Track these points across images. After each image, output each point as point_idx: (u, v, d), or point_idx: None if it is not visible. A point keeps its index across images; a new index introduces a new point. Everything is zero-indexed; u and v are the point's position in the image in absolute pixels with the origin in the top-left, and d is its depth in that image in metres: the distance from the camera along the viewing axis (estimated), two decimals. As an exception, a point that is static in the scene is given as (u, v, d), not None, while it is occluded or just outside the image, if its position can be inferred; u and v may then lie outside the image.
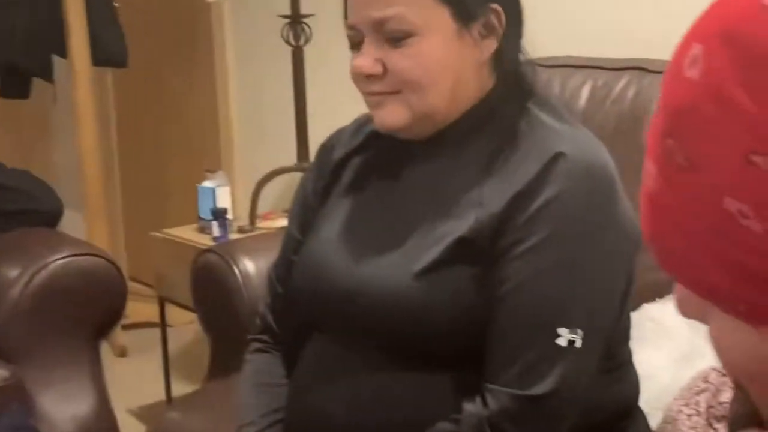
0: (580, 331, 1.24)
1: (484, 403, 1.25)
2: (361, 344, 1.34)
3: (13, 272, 1.94)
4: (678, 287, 0.59)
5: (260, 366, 1.49)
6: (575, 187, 1.25)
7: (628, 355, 1.40)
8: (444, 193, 1.33)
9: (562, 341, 1.23)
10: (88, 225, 3.18)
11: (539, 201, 1.24)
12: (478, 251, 1.27)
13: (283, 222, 2.59)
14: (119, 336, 3.17)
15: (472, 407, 1.26)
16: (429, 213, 1.33)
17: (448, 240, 1.29)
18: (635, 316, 1.40)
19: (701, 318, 0.57)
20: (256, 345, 1.52)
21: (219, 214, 2.86)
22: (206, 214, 2.92)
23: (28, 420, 1.80)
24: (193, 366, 2.91)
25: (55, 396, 1.96)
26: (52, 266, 1.98)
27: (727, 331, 0.55)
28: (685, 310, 0.59)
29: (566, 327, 1.23)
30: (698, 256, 0.54)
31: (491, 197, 1.27)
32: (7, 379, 1.88)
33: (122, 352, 3.21)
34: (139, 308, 3.30)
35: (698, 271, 0.55)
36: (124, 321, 2.63)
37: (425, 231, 1.32)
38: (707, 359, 1.25)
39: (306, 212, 1.50)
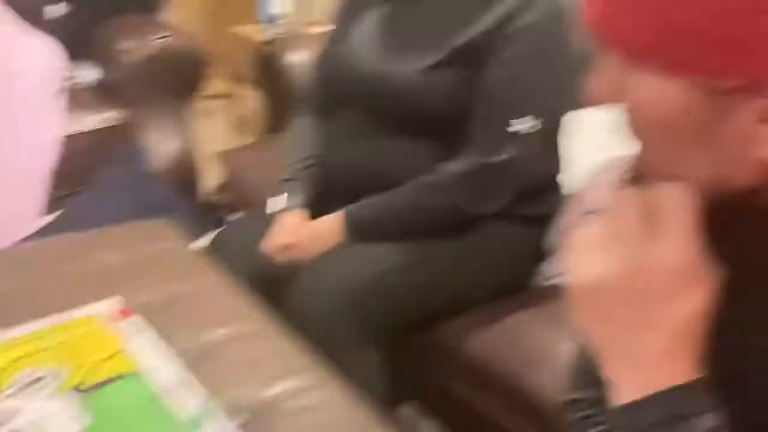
0: (538, 119, 1.27)
1: (457, 164, 1.31)
2: (374, 117, 1.37)
3: (131, 44, 1.96)
4: (593, 79, 0.52)
5: (303, 126, 1.54)
6: (551, 13, 1.27)
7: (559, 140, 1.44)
8: (451, 13, 1.33)
9: (522, 124, 1.27)
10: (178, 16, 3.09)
11: (521, 22, 1.26)
12: (472, 58, 1.29)
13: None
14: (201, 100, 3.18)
15: (447, 166, 1.32)
16: (439, 25, 1.33)
17: (449, 47, 1.30)
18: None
19: (615, 96, 0.51)
20: (301, 111, 1.56)
21: (275, 17, 2.81)
22: (266, 16, 2.87)
23: (136, 149, 1.85)
24: (253, 126, 2.95)
25: (155, 136, 2.00)
26: (157, 42, 1.99)
27: (652, 87, 0.48)
28: (602, 94, 0.52)
29: (530, 114, 1.27)
30: (633, 14, 0.48)
31: (487, 18, 1.28)
32: (123, 119, 1.92)
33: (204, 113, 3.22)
34: (216, 83, 3.27)
35: (633, 31, 0.48)
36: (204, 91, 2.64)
37: (433, 39, 1.32)
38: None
39: (342, 16, 1.50)
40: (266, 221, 1.46)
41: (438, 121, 1.33)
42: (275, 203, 1.44)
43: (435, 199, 1.31)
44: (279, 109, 2.13)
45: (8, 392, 0.97)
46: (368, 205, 1.34)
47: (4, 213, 1.58)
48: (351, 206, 1.36)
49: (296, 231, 1.37)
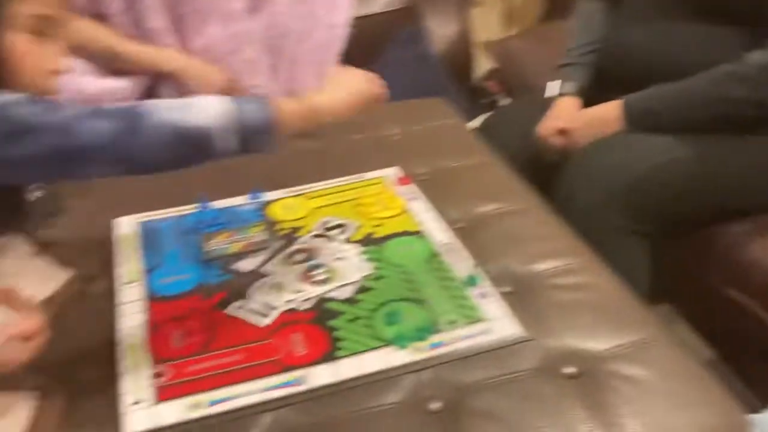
0: None
1: (765, 54, 1.16)
2: None
3: None
4: None
5: (589, 9, 1.46)
6: None
7: None
8: None
9: None
10: None
11: None
12: None
13: None
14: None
15: (752, 55, 1.18)
16: None
17: None
18: None
19: None
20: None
21: None
22: None
23: (418, 33, 1.90)
24: (532, 15, 2.87)
25: (436, 20, 2.02)
26: None
27: None
28: None
29: None
30: None
31: None
32: (408, 2, 1.97)
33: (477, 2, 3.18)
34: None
35: None
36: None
37: None
38: None
39: None
40: (539, 106, 1.44)
41: (743, 3, 1.18)
42: (552, 88, 1.41)
43: (735, 92, 1.18)
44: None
45: (313, 233, 1.10)
46: (654, 94, 1.26)
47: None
48: (633, 95, 1.28)
49: (572, 116, 1.34)
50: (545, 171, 1.32)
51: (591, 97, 1.39)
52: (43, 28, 0.79)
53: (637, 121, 1.26)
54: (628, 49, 1.35)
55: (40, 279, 0.85)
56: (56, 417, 0.78)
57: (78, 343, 0.84)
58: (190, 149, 0.79)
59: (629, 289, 0.99)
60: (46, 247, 0.91)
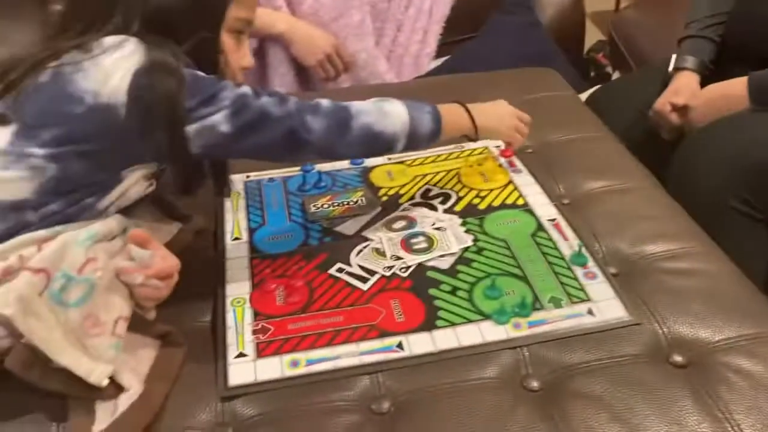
0: None
1: None
2: None
3: None
4: None
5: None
6: None
7: None
8: None
9: None
10: None
11: None
12: None
13: None
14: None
15: None
16: None
17: None
18: None
19: None
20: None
21: None
22: None
23: (527, 1, 1.83)
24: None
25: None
26: None
27: None
28: None
29: None
30: None
31: None
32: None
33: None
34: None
35: None
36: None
37: None
38: None
39: None
40: (654, 81, 1.37)
41: None
42: (673, 62, 1.33)
43: None
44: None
45: (413, 201, 1.09)
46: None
47: (403, 53, 1.72)
48: (760, 71, 1.19)
49: (693, 93, 1.26)
50: (660, 149, 1.25)
51: (712, 72, 1.31)
52: (241, 28, 0.89)
53: (764, 100, 1.17)
54: (758, 23, 1.25)
55: (152, 230, 0.88)
56: (177, 365, 0.81)
57: (186, 294, 0.86)
58: (377, 149, 0.94)
59: (746, 278, 0.93)
60: (157, 201, 0.94)
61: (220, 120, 0.80)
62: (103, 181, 0.81)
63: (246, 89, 0.84)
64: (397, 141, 0.92)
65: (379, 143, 0.91)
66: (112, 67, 0.77)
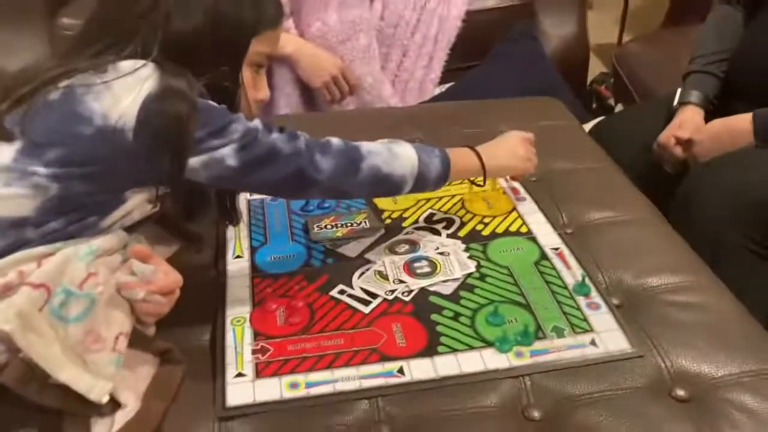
0: None
1: None
2: None
3: None
4: None
5: (722, 16, 1.38)
6: None
7: None
8: None
9: None
10: None
11: None
12: None
13: None
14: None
15: None
16: None
17: None
18: None
19: None
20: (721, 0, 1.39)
21: None
22: None
23: (532, 31, 1.85)
24: (647, 20, 2.76)
25: (551, 20, 1.96)
26: None
27: None
28: None
29: None
30: None
31: None
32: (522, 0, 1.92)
33: (590, 5, 3.09)
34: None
35: None
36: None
37: None
38: None
39: None
40: (657, 114, 1.37)
41: None
42: (678, 96, 1.34)
43: None
44: (678, 2, 1.94)
45: (417, 225, 1.09)
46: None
47: (408, 78, 1.73)
48: (765, 109, 1.20)
49: (698, 127, 1.26)
50: (663, 182, 1.26)
51: (715, 108, 1.32)
52: (260, 62, 0.89)
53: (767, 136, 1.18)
54: (762, 61, 1.26)
55: (153, 247, 0.87)
56: (176, 383, 0.80)
57: (185, 312, 0.85)
58: (385, 190, 0.94)
59: (749, 314, 0.93)
60: (161, 221, 0.94)
61: (227, 153, 0.80)
62: (105, 201, 0.80)
63: (257, 124, 0.83)
64: (405, 183, 0.92)
65: (387, 185, 0.91)
66: (123, 91, 0.76)
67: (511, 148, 1.08)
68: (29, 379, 0.72)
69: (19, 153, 0.77)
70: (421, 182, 0.93)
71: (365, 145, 0.90)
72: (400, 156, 0.91)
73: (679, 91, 1.34)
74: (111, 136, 0.75)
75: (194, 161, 0.79)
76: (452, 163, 0.96)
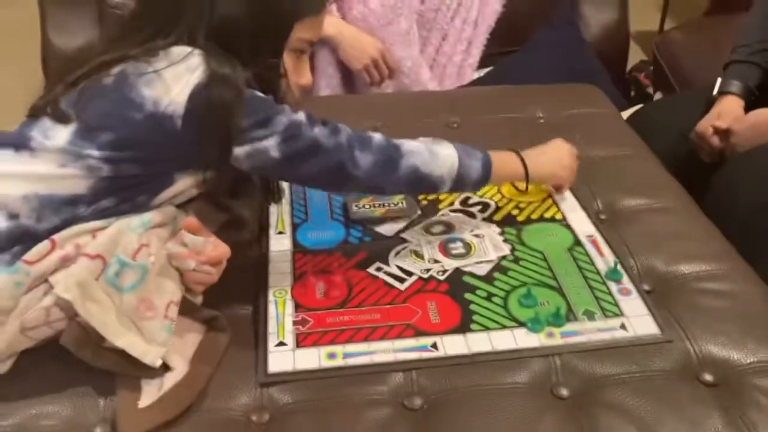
0: None
1: None
2: None
3: None
4: None
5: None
6: None
7: None
8: None
9: None
10: None
11: None
12: None
13: None
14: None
15: None
16: None
17: None
18: None
19: None
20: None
21: None
22: None
23: (572, 17, 1.85)
24: (690, 8, 2.72)
25: (592, 5, 1.95)
26: None
27: None
28: None
29: None
30: None
31: None
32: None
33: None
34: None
35: None
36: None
37: None
38: None
39: None
40: (696, 104, 1.37)
41: None
42: (718, 85, 1.34)
43: None
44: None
45: (454, 208, 1.12)
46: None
47: (446, 62, 1.74)
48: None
49: (737, 117, 1.26)
50: (699, 171, 1.26)
51: (756, 99, 1.31)
52: (303, 48, 0.90)
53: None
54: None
55: (201, 221, 0.91)
56: (221, 349, 0.85)
57: (230, 283, 0.89)
58: (422, 189, 0.98)
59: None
60: (209, 197, 0.98)
61: (271, 145, 0.82)
62: (154, 183, 0.84)
63: (302, 116, 0.85)
64: (443, 184, 0.93)
65: (424, 184, 0.92)
66: (174, 79, 0.79)
67: (558, 156, 1.08)
68: (86, 343, 0.77)
69: (74, 135, 0.80)
70: (460, 184, 0.94)
71: (406, 144, 0.91)
72: (439, 157, 0.92)
73: (719, 80, 1.34)
74: (161, 122, 0.79)
75: (239, 150, 0.82)
76: (494, 167, 0.97)
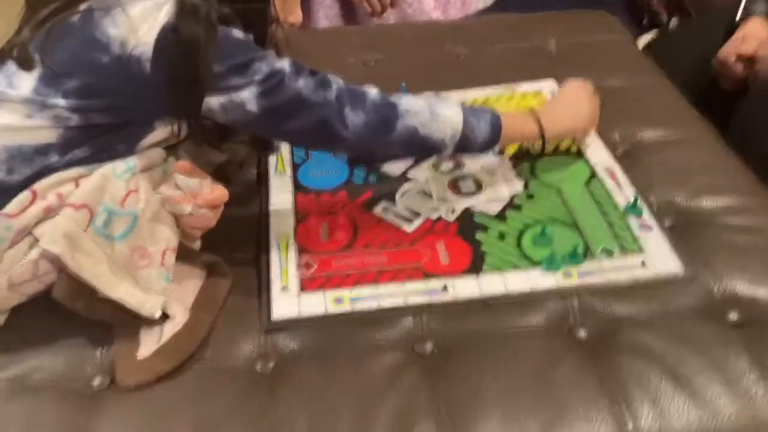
0: None
1: None
2: None
3: None
4: None
5: None
6: None
7: None
8: None
9: None
10: None
11: None
12: None
13: None
14: None
15: None
16: None
17: None
18: None
19: None
20: None
21: None
22: None
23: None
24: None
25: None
26: None
27: None
28: None
29: None
30: None
31: None
32: None
33: None
34: None
35: None
36: None
37: None
38: None
39: None
40: (717, 29, 1.30)
41: None
42: (742, 8, 1.27)
43: None
44: None
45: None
46: None
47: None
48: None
49: (763, 41, 1.20)
50: (721, 100, 1.20)
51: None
52: None
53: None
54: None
55: (202, 163, 0.87)
56: (222, 295, 0.81)
57: (230, 227, 0.86)
58: (420, 153, 0.90)
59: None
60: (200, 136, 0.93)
61: (247, 97, 0.74)
62: (131, 131, 0.77)
63: (285, 65, 0.76)
64: (443, 148, 0.85)
65: (422, 148, 0.84)
66: (142, 16, 0.72)
67: (576, 107, 0.98)
68: (78, 295, 0.73)
69: (39, 82, 0.73)
70: (464, 147, 0.86)
71: (404, 103, 0.82)
72: (441, 118, 0.83)
73: (743, 2, 1.27)
74: (127, 66, 0.72)
75: (213, 102, 0.75)
76: (504, 128, 0.88)
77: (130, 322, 0.76)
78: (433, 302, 0.82)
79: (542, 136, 0.93)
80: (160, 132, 0.79)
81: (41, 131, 0.74)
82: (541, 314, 0.81)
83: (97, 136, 0.75)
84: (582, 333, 0.79)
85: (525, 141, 0.98)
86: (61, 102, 0.73)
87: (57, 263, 0.72)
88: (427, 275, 0.85)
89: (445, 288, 0.83)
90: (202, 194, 0.79)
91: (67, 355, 0.77)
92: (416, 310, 0.81)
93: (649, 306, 0.81)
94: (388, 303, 0.82)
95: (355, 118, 0.79)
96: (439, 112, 0.84)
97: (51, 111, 0.73)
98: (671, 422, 0.71)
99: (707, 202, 0.94)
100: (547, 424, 0.71)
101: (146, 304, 0.74)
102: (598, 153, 1.03)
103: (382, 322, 0.80)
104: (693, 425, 0.70)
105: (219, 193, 0.80)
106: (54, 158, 0.75)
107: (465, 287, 0.83)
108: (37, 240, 0.73)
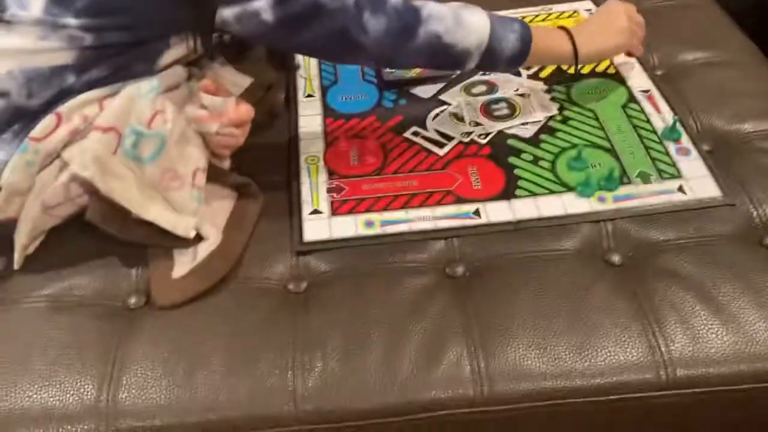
0: None
1: None
2: None
3: None
4: None
5: None
6: None
7: None
8: None
9: None
10: None
11: None
12: None
13: None
14: None
15: None
16: None
17: None
18: None
19: None
20: None
21: None
22: None
23: None
24: None
25: None
26: None
27: None
28: None
29: None
30: None
31: None
32: None
33: None
34: None
35: None
36: None
37: None
38: None
39: None
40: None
41: None
42: None
43: None
44: None
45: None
46: None
47: None
48: None
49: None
50: (767, 20, 1.15)
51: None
52: None
53: None
54: None
55: (228, 84, 0.86)
56: (253, 216, 0.81)
57: (259, 150, 0.85)
58: (443, 63, 0.83)
59: None
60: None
61: (262, 6, 0.72)
62: (148, 49, 0.75)
63: None
64: (468, 58, 0.80)
65: (445, 57, 0.80)
66: None
67: (614, 27, 0.91)
68: (112, 217, 0.74)
69: (49, 1, 0.71)
70: (490, 60, 0.82)
71: (428, 7, 0.78)
72: (467, 25, 0.79)
73: None
74: None
75: (227, 13, 0.72)
76: (535, 43, 0.83)
77: (165, 242, 0.76)
78: (465, 226, 0.81)
79: (575, 56, 0.89)
80: (177, 49, 0.77)
81: (56, 53, 0.73)
82: (575, 238, 0.80)
83: (113, 56, 0.74)
84: (615, 258, 0.78)
85: (556, 62, 0.94)
86: (72, 21, 0.72)
87: (88, 186, 0.73)
88: (459, 199, 0.84)
89: (477, 212, 0.83)
90: (227, 113, 0.78)
91: (103, 275, 0.78)
92: (448, 234, 0.81)
93: (686, 231, 0.80)
94: (419, 226, 0.82)
95: (375, 23, 0.76)
96: (465, 18, 0.80)
97: (64, 31, 0.72)
98: (705, 347, 0.70)
99: (749, 126, 0.91)
100: (578, 347, 0.71)
101: (180, 224, 0.74)
102: (635, 75, 0.99)
103: (413, 245, 0.80)
104: (728, 350, 0.70)
105: (244, 110, 0.79)
106: (71, 79, 0.74)
107: (497, 211, 0.82)
108: (66, 163, 0.73)
